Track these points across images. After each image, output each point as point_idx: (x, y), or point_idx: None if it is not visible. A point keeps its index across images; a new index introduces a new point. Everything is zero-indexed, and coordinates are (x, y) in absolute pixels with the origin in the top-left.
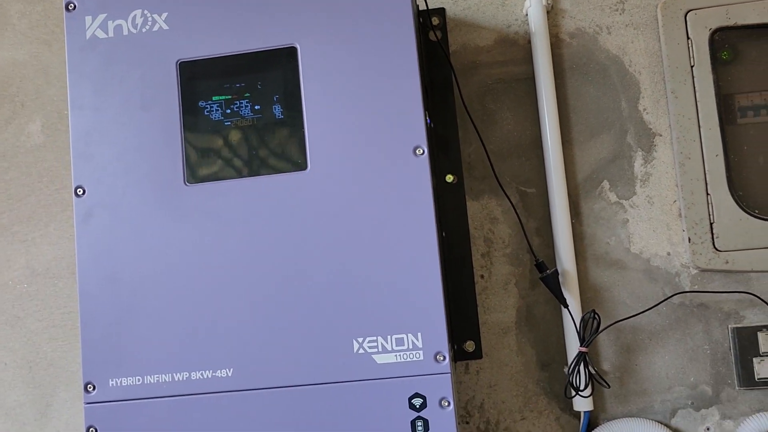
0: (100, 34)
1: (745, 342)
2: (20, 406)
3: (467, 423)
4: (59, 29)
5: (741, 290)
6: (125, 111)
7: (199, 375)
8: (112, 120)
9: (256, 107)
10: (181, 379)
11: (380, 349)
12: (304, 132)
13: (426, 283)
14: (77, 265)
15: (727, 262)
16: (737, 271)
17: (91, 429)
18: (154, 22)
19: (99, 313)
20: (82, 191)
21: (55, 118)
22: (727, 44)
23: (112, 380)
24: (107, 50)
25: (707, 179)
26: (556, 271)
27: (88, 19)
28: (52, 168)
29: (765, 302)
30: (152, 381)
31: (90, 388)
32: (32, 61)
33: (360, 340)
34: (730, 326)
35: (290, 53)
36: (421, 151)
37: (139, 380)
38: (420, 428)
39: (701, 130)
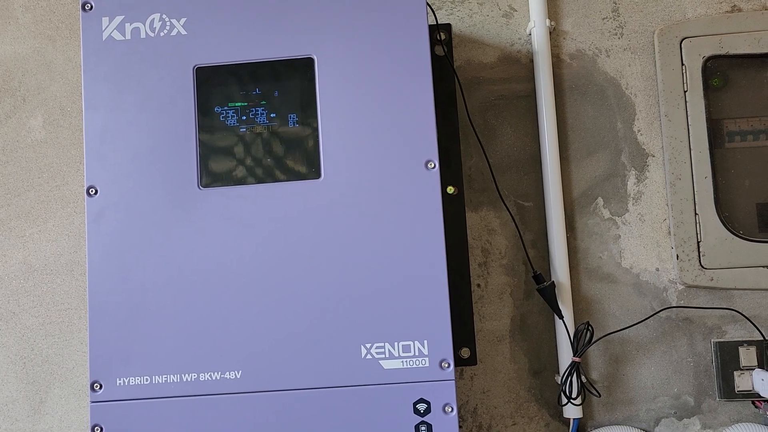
0: (117, 36)
1: (727, 356)
2: (13, 401)
3: (460, 427)
4: (64, 25)
5: (724, 306)
6: (140, 113)
7: (207, 376)
8: (127, 121)
9: (272, 115)
10: (189, 379)
11: (387, 355)
12: (318, 141)
13: (433, 292)
14: (87, 264)
15: (712, 279)
16: (721, 288)
17: (96, 428)
18: (173, 26)
19: (108, 312)
20: (94, 191)
21: (58, 114)
22: (719, 71)
23: (119, 379)
24: (124, 52)
25: (696, 200)
26: (553, 283)
27: (105, 20)
28: (53, 164)
29: (747, 318)
30: (160, 381)
31: (96, 386)
32: (35, 56)
33: (368, 345)
34: (712, 340)
35: (307, 64)
36: (433, 164)
37: (147, 380)
38: None
39: (692, 152)
